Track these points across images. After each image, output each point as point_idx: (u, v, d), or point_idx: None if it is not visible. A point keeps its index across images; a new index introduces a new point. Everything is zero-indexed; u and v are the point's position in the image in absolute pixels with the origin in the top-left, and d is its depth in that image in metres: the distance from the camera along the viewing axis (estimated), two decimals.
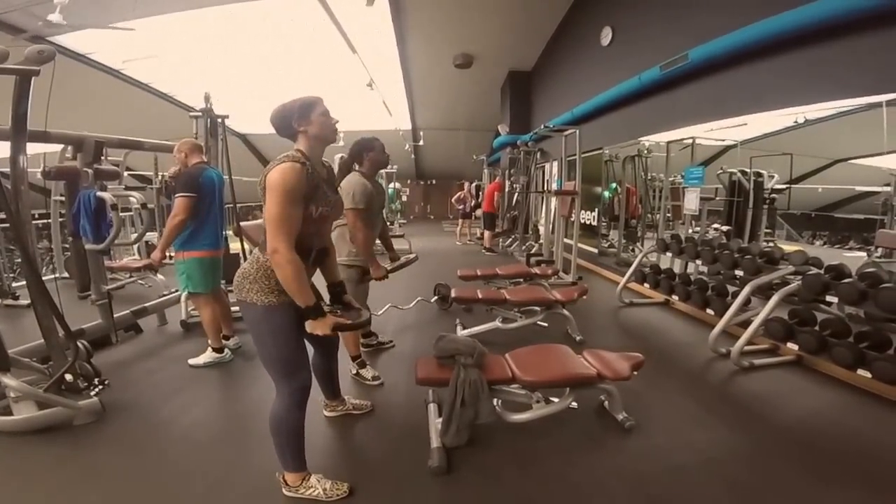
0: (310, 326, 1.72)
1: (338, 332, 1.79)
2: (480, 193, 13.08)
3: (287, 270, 1.63)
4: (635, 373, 2.42)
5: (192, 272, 3.30)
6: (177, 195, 3.14)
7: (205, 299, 3.40)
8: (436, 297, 5.03)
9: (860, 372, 2.91)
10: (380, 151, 2.98)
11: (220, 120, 4.11)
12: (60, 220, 5.91)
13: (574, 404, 2.48)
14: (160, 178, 6.96)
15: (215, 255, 3.42)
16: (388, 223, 13.10)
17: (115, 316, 3.57)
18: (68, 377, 2.55)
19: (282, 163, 1.65)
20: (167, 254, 3.39)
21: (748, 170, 5.29)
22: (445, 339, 2.45)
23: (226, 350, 3.48)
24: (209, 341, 3.43)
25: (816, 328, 3.29)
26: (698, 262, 4.37)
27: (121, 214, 3.29)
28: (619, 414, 2.53)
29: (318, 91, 1.88)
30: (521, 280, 5.03)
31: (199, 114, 4.02)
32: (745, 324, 3.43)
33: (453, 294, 4.18)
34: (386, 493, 1.99)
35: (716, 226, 5.59)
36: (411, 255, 2.13)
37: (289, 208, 1.63)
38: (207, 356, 3.40)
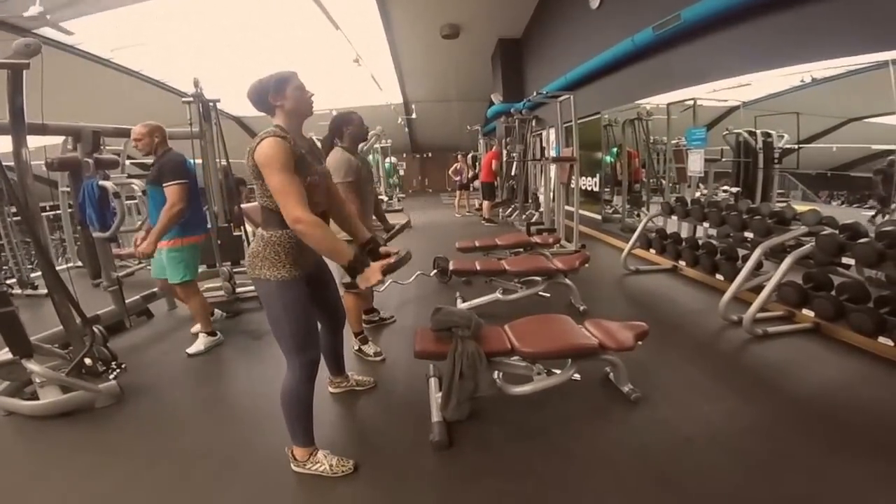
0: (362, 281, 1.70)
1: (388, 273, 1.77)
2: (477, 164, 12.89)
3: (316, 233, 1.64)
4: (640, 343, 2.30)
5: (190, 259, 3.24)
6: (168, 184, 2.96)
7: (196, 286, 3.35)
8: (435, 271, 4.93)
9: (881, 339, 2.73)
10: (358, 125, 3.00)
11: (211, 104, 4.00)
12: (69, 210, 6.00)
13: (577, 376, 2.37)
14: None
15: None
16: (388, 198, 12.96)
17: (126, 301, 3.64)
18: (87, 361, 2.67)
19: (263, 139, 1.68)
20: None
21: (755, 130, 5.10)
22: (442, 312, 2.39)
23: (217, 332, 3.45)
24: (200, 328, 3.41)
25: (833, 293, 3.13)
26: (705, 224, 4.20)
27: (125, 202, 3.21)
28: (625, 386, 2.44)
29: (306, 69, 1.88)
30: (522, 250, 4.89)
31: (191, 99, 3.89)
32: (758, 289, 3.28)
33: (451, 266, 4.08)
34: (388, 468, 2.00)
35: (725, 188, 5.41)
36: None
37: (289, 175, 1.65)
38: (204, 341, 3.34)
